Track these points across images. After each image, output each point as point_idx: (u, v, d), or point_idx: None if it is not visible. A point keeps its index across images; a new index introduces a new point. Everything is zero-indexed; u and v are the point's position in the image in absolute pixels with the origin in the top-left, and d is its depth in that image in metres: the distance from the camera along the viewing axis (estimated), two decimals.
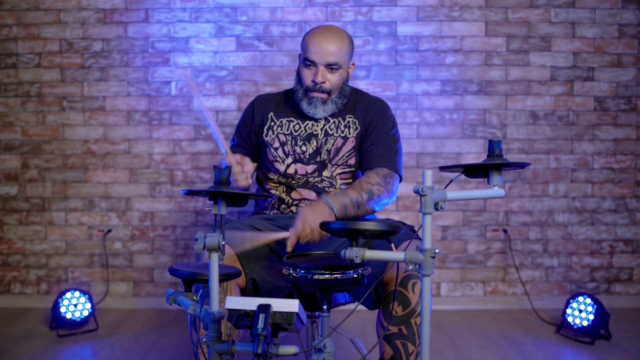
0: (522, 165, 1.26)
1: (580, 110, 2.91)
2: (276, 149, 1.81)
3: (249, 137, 1.90)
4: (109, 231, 2.90)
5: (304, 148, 1.80)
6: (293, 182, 1.79)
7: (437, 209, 1.14)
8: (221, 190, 1.15)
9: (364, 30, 2.87)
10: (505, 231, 2.91)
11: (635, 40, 2.89)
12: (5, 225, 2.92)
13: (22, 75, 2.89)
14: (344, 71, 1.79)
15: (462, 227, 2.92)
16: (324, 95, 1.77)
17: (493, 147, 1.21)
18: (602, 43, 2.89)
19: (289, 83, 2.80)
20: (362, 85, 2.86)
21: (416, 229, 1.69)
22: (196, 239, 1.17)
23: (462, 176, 1.31)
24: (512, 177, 2.91)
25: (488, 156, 1.22)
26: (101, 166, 2.90)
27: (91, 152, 2.90)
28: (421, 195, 1.13)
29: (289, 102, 1.89)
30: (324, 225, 1.25)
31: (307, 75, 1.78)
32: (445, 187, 1.18)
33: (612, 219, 2.92)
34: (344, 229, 1.19)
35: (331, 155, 1.80)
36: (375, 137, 1.79)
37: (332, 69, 1.76)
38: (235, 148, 1.89)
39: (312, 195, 1.77)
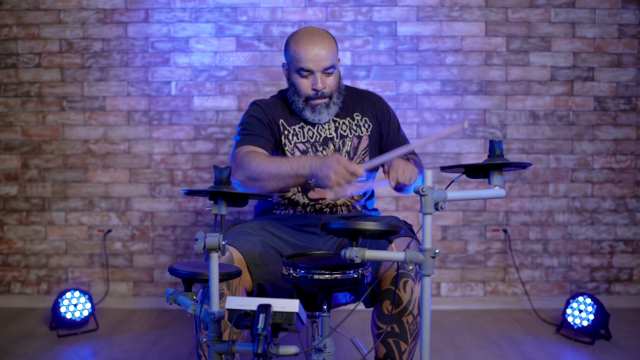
0: (523, 166, 1.26)
1: (580, 110, 2.91)
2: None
3: (270, 134, 1.78)
4: (109, 231, 2.90)
5: (324, 153, 1.80)
6: (310, 182, 1.75)
7: (437, 209, 1.14)
8: (221, 190, 1.15)
9: (364, 30, 2.87)
10: (505, 231, 2.91)
11: (635, 40, 2.89)
12: (5, 225, 2.92)
13: (22, 75, 2.89)
14: (337, 71, 1.79)
15: (462, 227, 2.92)
16: (327, 100, 1.76)
17: (494, 147, 1.21)
18: (602, 43, 2.89)
19: None
20: (362, 85, 2.86)
21: (416, 229, 1.69)
22: (196, 239, 1.17)
23: (463, 176, 1.31)
24: (512, 177, 2.91)
25: (489, 156, 1.22)
26: (101, 166, 2.90)
27: (91, 152, 2.90)
28: (421, 195, 1.13)
29: (289, 107, 1.84)
30: (324, 225, 1.25)
31: (306, 85, 1.74)
32: (446, 188, 1.18)
33: (612, 219, 2.92)
34: (344, 229, 1.19)
35: (351, 155, 1.81)
36: (395, 126, 1.91)
37: (328, 72, 1.75)
38: (259, 140, 1.74)
39: (330, 195, 1.75)
